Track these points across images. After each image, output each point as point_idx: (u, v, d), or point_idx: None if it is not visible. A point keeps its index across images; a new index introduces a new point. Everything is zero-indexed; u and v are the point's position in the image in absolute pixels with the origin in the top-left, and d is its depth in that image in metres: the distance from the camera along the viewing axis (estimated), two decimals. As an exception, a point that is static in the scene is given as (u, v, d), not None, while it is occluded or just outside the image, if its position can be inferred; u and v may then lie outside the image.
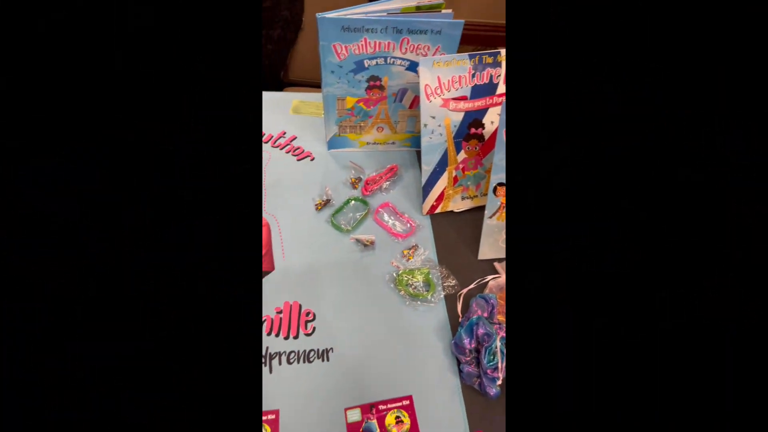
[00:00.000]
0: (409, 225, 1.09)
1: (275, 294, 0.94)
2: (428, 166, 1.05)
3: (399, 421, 0.79)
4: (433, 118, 0.99)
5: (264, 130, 1.27)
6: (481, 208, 1.00)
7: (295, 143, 1.25)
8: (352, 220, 1.09)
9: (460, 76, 0.96)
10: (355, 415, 0.79)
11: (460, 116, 1.00)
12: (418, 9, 1.01)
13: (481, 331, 0.82)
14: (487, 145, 1.06)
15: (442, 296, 0.96)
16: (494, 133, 1.04)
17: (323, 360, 0.86)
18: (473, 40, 1.68)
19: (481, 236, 1.00)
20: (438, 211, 1.12)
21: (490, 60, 0.96)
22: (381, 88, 1.12)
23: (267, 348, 0.86)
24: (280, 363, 0.85)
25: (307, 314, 0.92)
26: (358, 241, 1.04)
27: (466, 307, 0.94)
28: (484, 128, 1.03)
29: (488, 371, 0.80)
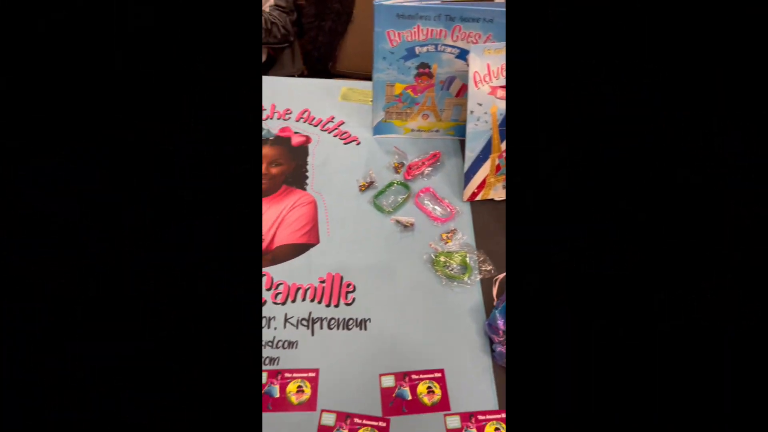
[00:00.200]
0: (448, 210, 1.11)
1: (319, 265, 0.99)
2: (472, 152, 1.07)
3: (430, 391, 0.82)
4: (480, 105, 1.01)
5: (313, 115, 1.33)
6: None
7: (342, 128, 1.31)
8: (394, 203, 1.12)
9: (509, 64, 0.99)
10: (389, 381, 0.83)
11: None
12: (472, -3, 1.06)
13: None
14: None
15: (478, 279, 0.98)
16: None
17: (361, 329, 0.90)
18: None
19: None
20: (478, 198, 1.13)
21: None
22: (429, 75, 1.15)
23: (310, 312, 0.91)
24: (321, 327, 0.90)
25: (348, 286, 0.96)
26: (398, 222, 1.07)
27: (501, 291, 0.95)
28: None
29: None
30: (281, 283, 0.95)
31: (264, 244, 1.01)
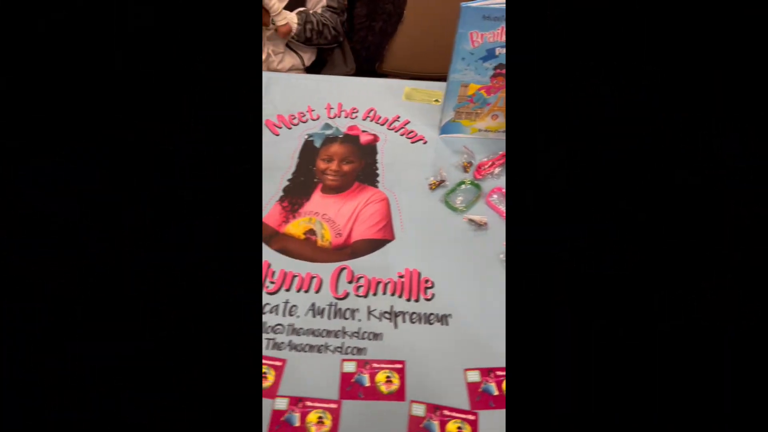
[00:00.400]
0: None
1: (397, 260, 0.99)
2: None
3: None
4: None
5: (379, 114, 1.34)
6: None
7: (408, 127, 1.32)
8: (465, 201, 1.12)
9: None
10: (474, 376, 0.83)
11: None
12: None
13: None
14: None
15: None
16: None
17: (442, 324, 0.90)
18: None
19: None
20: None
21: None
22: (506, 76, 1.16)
23: (392, 306, 0.92)
24: (404, 321, 0.90)
25: (426, 281, 0.96)
26: (471, 221, 1.07)
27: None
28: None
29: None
30: (362, 277, 0.95)
31: (341, 239, 1.02)
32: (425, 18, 1.79)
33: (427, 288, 0.95)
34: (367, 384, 0.80)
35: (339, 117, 1.32)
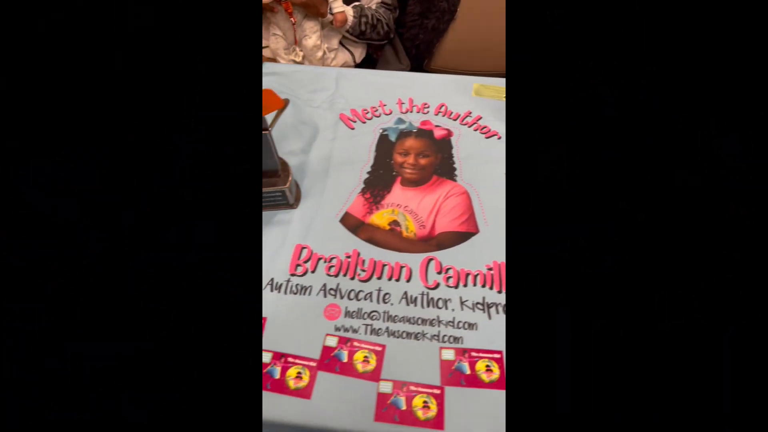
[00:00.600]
0: None
1: (484, 253, 1.00)
2: None
3: None
4: None
5: (450, 109, 1.34)
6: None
7: (480, 122, 1.31)
8: None
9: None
10: None
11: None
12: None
13: None
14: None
15: None
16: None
17: None
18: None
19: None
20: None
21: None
22: None
23: (484, 297, 0.93)
24: (497, 312, 0.91)
25: None
26: None
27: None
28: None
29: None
30: (450, 268, 0.96)
31: (425, 231, 1.03)
32: (477, 16, 1.77)
33: None
34: (468, 372, 0.82)
35: (411, 112, 1.33)
